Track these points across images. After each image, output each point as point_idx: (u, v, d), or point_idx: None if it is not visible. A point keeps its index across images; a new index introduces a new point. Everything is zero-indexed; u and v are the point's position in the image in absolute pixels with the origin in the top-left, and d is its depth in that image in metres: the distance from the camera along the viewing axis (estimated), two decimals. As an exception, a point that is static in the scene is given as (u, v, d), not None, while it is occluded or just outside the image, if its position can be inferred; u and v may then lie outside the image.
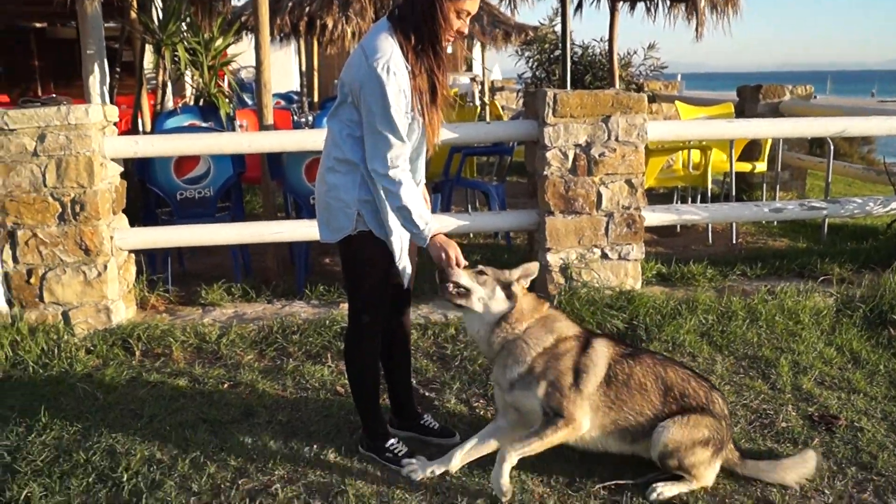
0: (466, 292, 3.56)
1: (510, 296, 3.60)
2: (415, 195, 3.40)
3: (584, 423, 3.50)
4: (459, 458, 3.64)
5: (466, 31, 3.50)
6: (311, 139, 5.60)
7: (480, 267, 3.68)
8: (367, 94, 3.31)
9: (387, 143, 3.32)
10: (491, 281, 3.59)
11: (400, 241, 3.59)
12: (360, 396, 3.81)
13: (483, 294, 3.57)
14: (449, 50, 3.70)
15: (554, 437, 3.47)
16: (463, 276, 3.55)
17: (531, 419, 3.56)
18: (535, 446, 3.46)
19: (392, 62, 3.27)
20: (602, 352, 3.58)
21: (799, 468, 3.61)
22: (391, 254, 3.60)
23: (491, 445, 3.67)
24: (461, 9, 3.33)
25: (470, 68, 25.56)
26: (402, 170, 3.37)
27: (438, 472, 3.61)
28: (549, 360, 3.52)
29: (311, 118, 10.80)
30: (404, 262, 3.66)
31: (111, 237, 5.34)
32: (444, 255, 3.48)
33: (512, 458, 3.43)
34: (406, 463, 3.66)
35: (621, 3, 10.72)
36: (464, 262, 3.54)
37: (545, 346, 3.55)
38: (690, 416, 3.47)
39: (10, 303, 5.25)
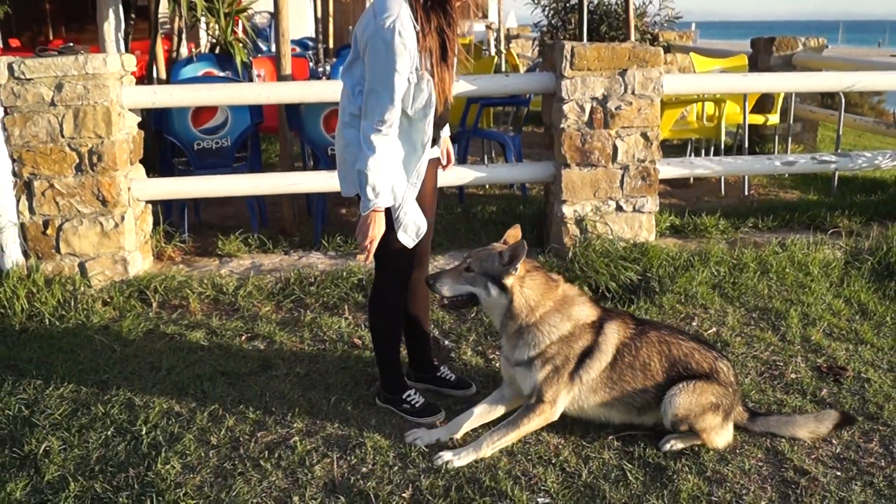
0: (471, 299, 3.56)
1: (504, 288, 3.52)
2: (381, 166, 3.35)
3: (559, 410, 3.54)
4: (465, 427, 3.64)
5: None
6: (331, 90, 5.59)
7: (468, 261, 3.58)
8: (372, 52, 3.30)
9: (380, 104, 3.31)
10: (480, 278, 3.53)
11: (402, 198, 3.56)
12: (380, 349, 3.86)
13: (480, 294, 3.54)
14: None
15: (530, 426, 3.51)
16: (447, 285, 3.54)
17: (523, 392, 3.60)
18: (512, 437, 3.50)
19: (398, 21, 3.24)
20: (612, 338, 3.55)
21: (811, 425, 3.66)
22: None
23: (497, 412, 3.70)
24: None
25: (485, 15, 25.31)
26: (383, 136, 3.34)
27: (444, 439, 3.62)
28: (561, 346, 3.51)
29: (328, 68, 10.74)
30: (409, 219, 3.60)
31: (128, 188, 5.36)
32: (363, 233, 3.43)
33: (485, 453, 3.46)
34: (410, 432, 3.66)
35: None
36: (370, 258, 3.48)
37: (561, 335, 3.52)
38: (696, 382, 3.50)
39: (26, 254, 5.27)
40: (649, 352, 3.56)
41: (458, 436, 3.63)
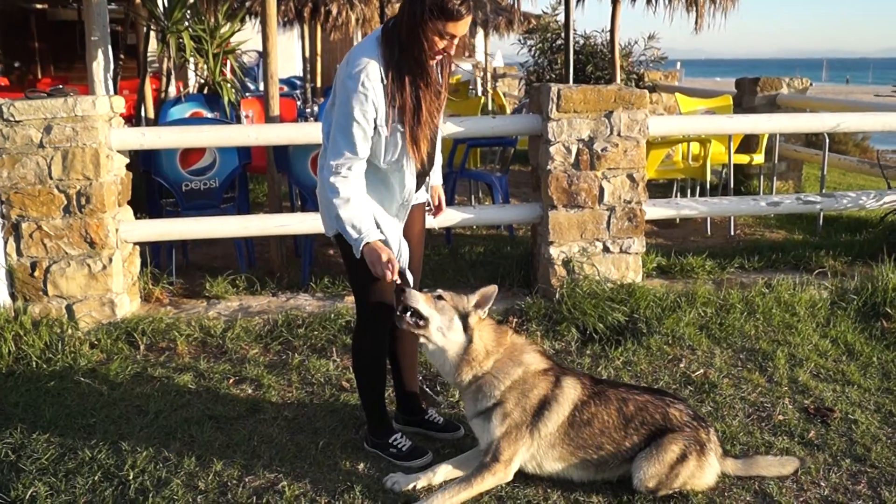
0: (424, 322, 3.53)
1: (466, 327, 3.56)
2: (351, 204, 3.39)
3: (513, 470, 3.51)
4: (442, 476, 3.60)
5: (453, 51, 3.47)
6: (318, 132, 5.59)
7: (439, 291, 3.63)
8: (338, 100, 3.39)
9: (338, 150, 3.37)
10: (449, 309, 3.56)
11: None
12: (364, 393, 3.86)
13: (441, 323, 3.54)
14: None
15: (483, 485, 3.46)
16: (420, 302, 3.53)
17: (480, 447, 3.59)
18: (464, 495, 3.43)
19: (364, 74, 3.31)
20: (569, 393, 3.55)
21: (774, 468, 3.67)
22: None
23: (472, 467, 3.64)
24: (445, 31, 3.31)
25: (472, 55, 25.59)
26: (342, 178, 3.38)
27: (420, 486, 3.57)
28: (518, 396, 3.51)
29: (316, 108, 10.82)
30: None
31: (116, 230, 5.36)
32: (374, 267, 3.43)
33: None
34: (389, 476, 3.63)
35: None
36: (397, 267, 3.44)
37: (514, 379, 3.53)
38: (654, 445, 3.48)
39: (13, 296, 5.25)
40: (608, 410, 3.55)
41: (436, 482, 3.59)
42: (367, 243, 3.41)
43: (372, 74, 3.31)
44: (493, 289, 3.61)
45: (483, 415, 3.55)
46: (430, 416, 4.09)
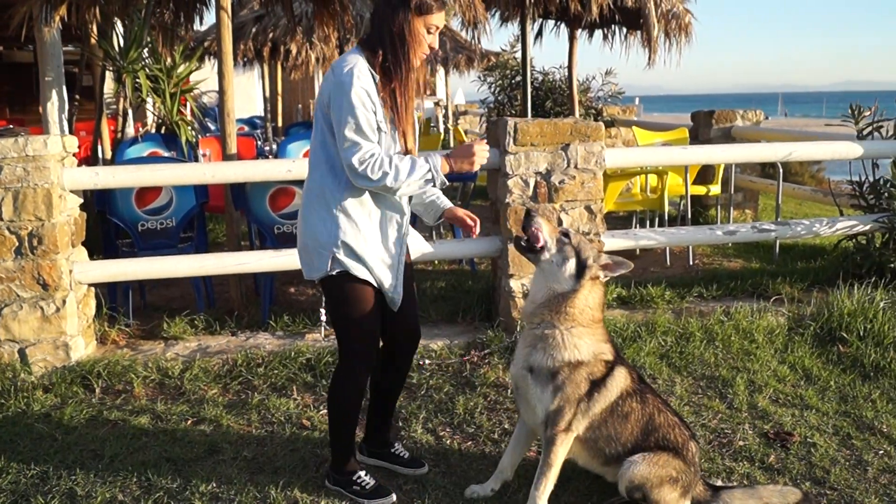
0: (539, 250, 3.50)
1: (579, 276, 3.48)
2: (401, 168, 3.39)
3: (574, 433, 3.54)
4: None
5: (437, 45, 3.56)
6: (276, 169, 5.61)
7: (567, 229, 3.62)
8: (335, 103, 3.37)
9: (355, 148, 3.34)
10: (570, 249, 3.49)
11: (385, 267, 3.59)
12: (337, 428, 3.76)
13: (554, 258, 3.49)
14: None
15: (559, 455, 3.51)
16: (544, 229, 3.51)
17: (529, 410, 3.61)
18: (551, 475, 3.51)
19: (356, 69, 3.35)
20: (619, 382, 3.56)
21: (775, 498, 3.64)
22: (376, 289, 3.61)
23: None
24: (430, 24, 3.42)
25: (434, 92, 25.75)
26: (375, 164, 3.35)
27: (485, 492, 3.74)
28: (575, 374, 3.49)
29: (275, 146, 10.81)
30: (393, 288, 3.64)
31: (70, 271, 5.28)
32: (467, 162, 3.54)
33: (542, 502, 3.51)
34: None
35: (580, 31, 10.86)
36: (484, 146, 3.53)
37: (579, 359, 3.50)
38: (662, 455, 3.49)
39: (-36, 341, 5.15)
40: (643, 410, 3.57)
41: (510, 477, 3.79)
42: (439, 163, 3.49)
43: (363, 69, 3.37)
44: (627, 262, 3.56)
45: (536, 373, 3.53)
46: (397, 451, 4.05)
